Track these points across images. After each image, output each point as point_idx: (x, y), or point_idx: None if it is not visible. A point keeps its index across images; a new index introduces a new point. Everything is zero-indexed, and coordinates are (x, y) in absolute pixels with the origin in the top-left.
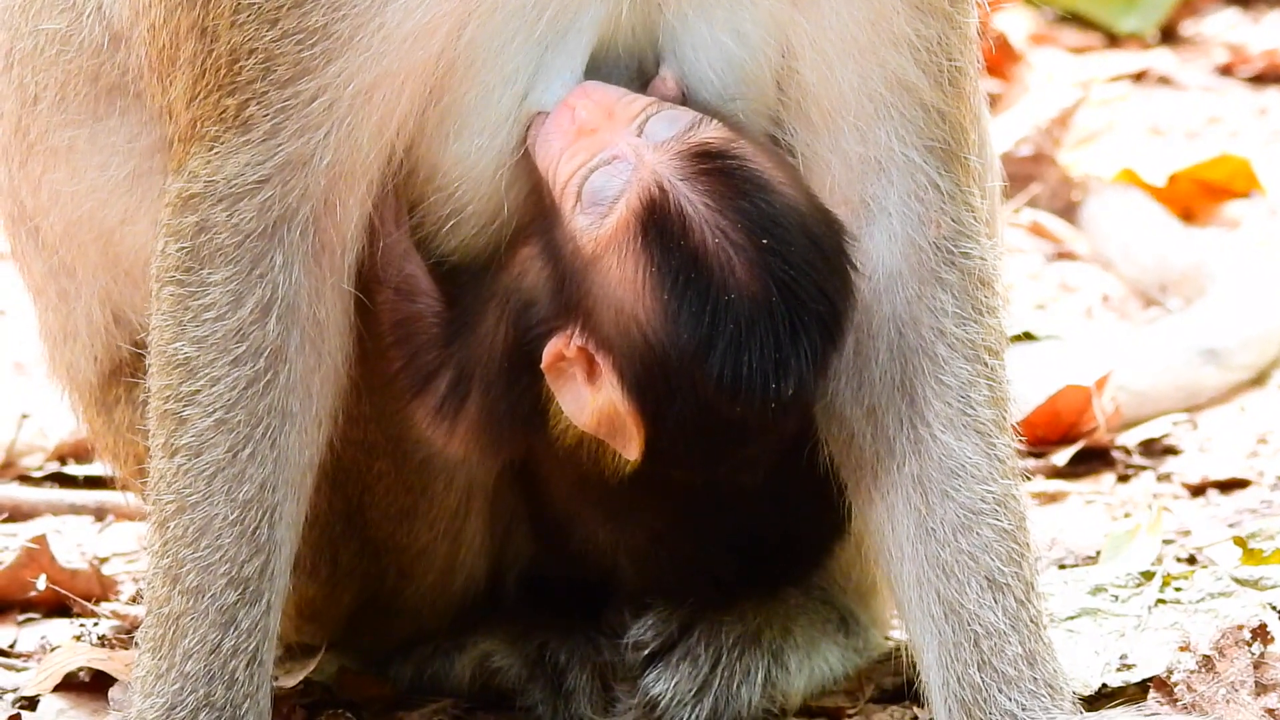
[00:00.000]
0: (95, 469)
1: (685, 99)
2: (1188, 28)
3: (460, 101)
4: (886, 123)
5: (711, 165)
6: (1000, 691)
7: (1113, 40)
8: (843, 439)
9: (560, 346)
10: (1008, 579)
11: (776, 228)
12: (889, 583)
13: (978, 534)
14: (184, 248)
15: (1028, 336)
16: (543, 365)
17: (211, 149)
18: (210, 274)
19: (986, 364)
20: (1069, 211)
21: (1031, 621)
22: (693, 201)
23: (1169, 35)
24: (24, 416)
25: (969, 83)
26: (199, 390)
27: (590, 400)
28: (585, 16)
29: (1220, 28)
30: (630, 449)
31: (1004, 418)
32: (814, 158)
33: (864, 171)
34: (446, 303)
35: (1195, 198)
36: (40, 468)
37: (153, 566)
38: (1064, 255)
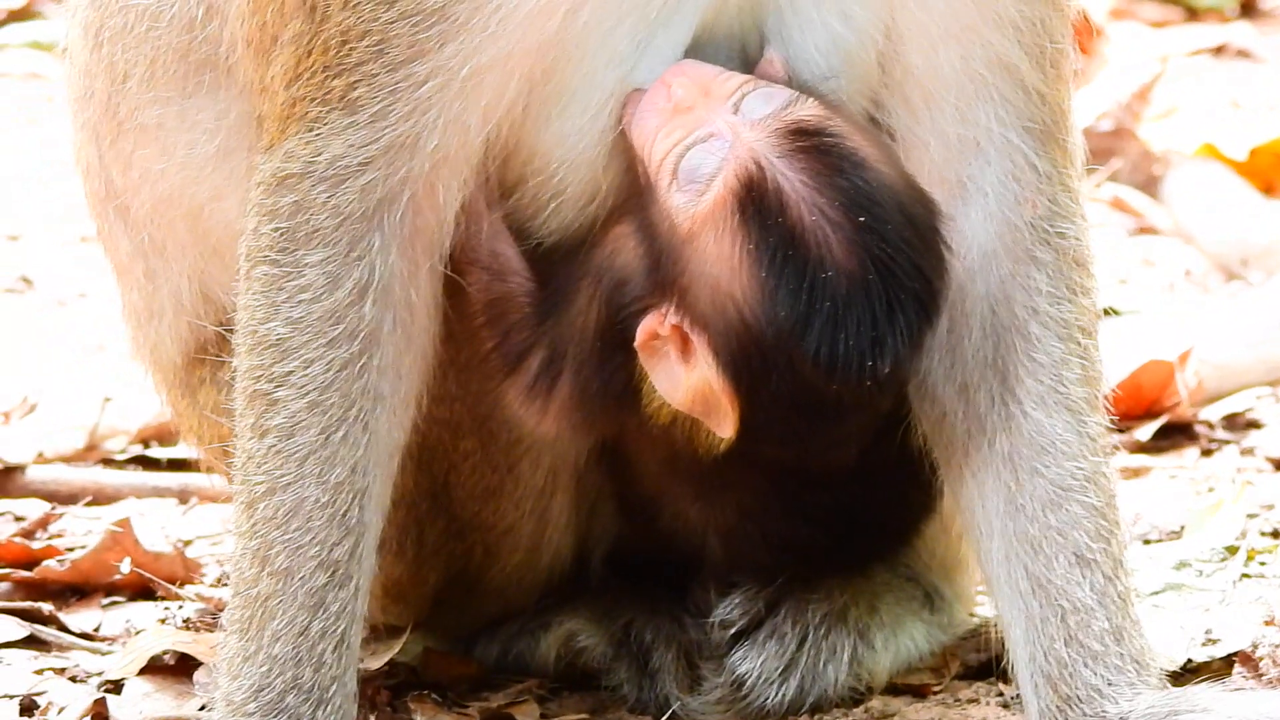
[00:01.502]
0: (178, 451)
1: (790, 80)
2: (1267, 1)
3: (567, 82)
4: (986, 103)
5: (808, 142)
6: (1086, 666)
7: (1192, 14)
8: (935, 416)
9: (654, 324)
10: (1095, 555)
11: (873, 205)
12: (978, 559)
13: (1067, 510)
14: (279, 228)
15: (1110, 311)
16: (636, 343)
17: (312, 129)
18: (307, 255)
19: (1079, 343)
20: (1150, 186)
21: (1119, 597)
22: (790, 178)
23: (1248, 8)
24: (107, 399)
25: (1067, 65)
26: (292, 371)
27: (685, 378)
28: None
29: None
30: (725, 427)
31: (1095, 396)
32: (912, 138)
33: (962, 151)
34: (538, 282)
35: (1276, 171)
36: (123, 450)
37: (240, 548)
38: (1145, 230)
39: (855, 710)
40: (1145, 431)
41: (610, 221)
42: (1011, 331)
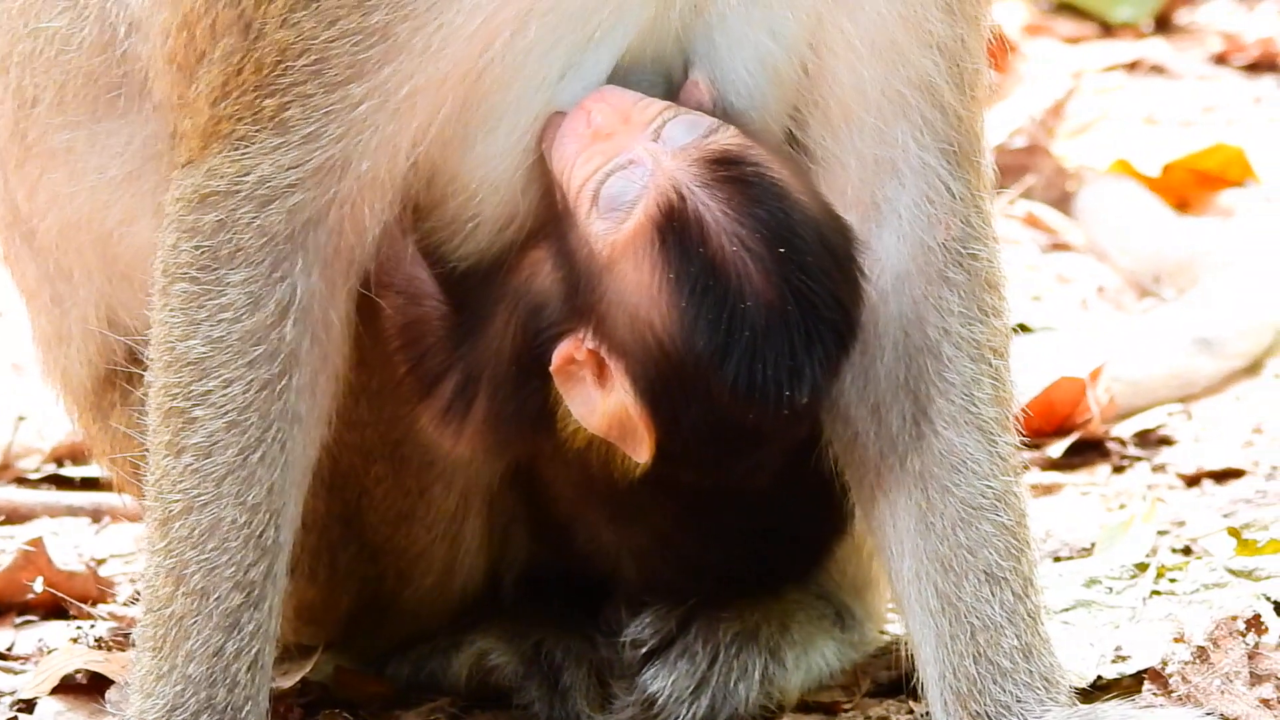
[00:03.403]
0: (92, 470)
1: (715, 103)
2: (1182, 16)
3: (497, 105)
4: (906, 123)
5: (729, 172)
6: (995, 683)
7: (1107, 30)
8: (848, 437)
9: (571, 349)
10: (1005, 573)
11: (793, 236)
12: (889, 577)
13: (977, 528)
14: (200, 246)
15: (1023, 328)
16: (552, 368)
17: (239, 148)
18: (229, 274)
19: (991, 363)
20: (1064, 202)
21: (1029, 615)
22: (710, 208)
23: (1163, 24)
24: (20, 418)
25: (983, 85)
26: (211, 391)
27: (601, 403)
28: (630, 16)
29: (1214, 16)
30: (641, 452)
31: (1006, 416)
32: (830, 158)
33: (879, 172)
34: (454, 306)
35: (1190, 187)
36: (37, 469)
37: (153, 565)
38: (1059, 246)
39: None
40: (1057, 448)
41: (528, 246)
42: (924, 352)
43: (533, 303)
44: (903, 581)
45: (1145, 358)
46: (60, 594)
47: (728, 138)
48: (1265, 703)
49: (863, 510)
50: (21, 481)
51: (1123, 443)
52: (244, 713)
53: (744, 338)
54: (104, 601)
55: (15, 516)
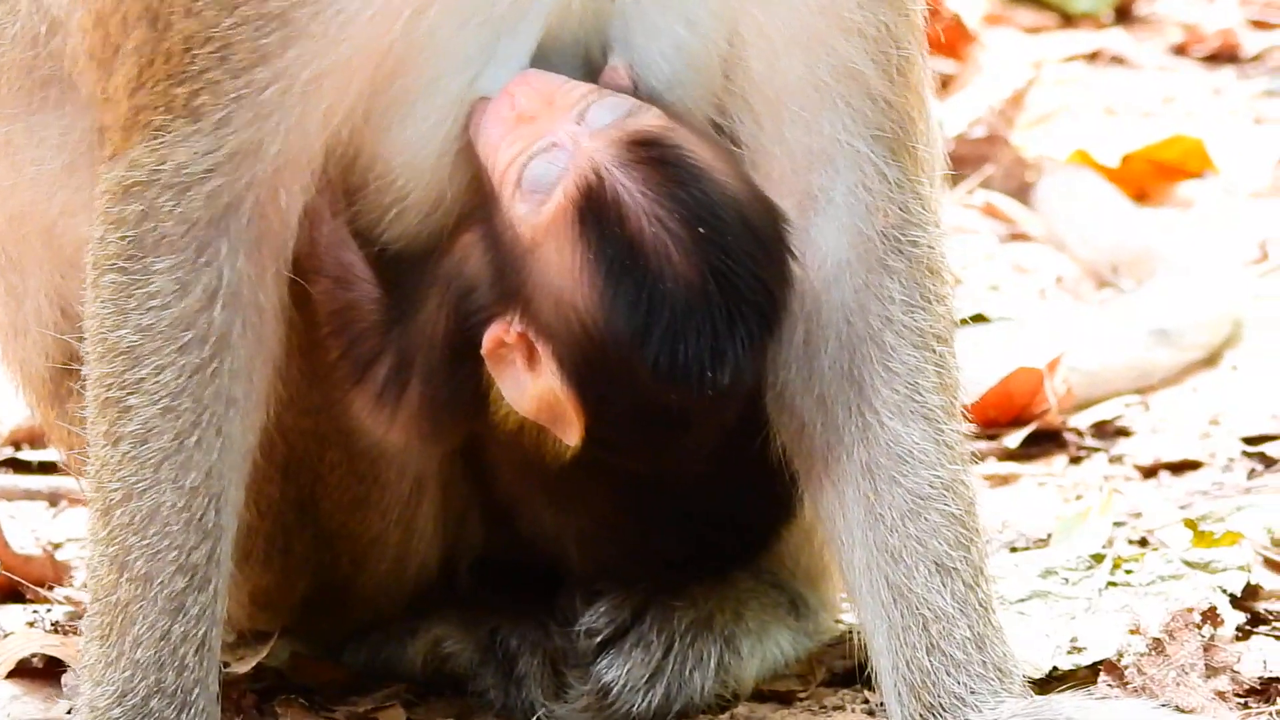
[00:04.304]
0: (49, 455)
1: (636, 88)
2: (1142, 7)
3: (411, 87)
4: (833, 112)
5: (649, 153)
6: (949, 675)
7: (1067, 20)
8: (794, 428)
9: (500, 333)
10: (956, 563)
11: (713, 216)
12: (840, 568)
13: (925, 519)
14: (126, 236)
15: (981, 318)
16: (483, 351)
17: (157, 137)
18: (155, 262)
19: (935, 351)
20: (1023, 192)
21: (980, 605)
22: (629, 189)
23: (1123, 15)
24: None
25: (916, 72)
26: (144, 378)
27: (530, 386)
28: (540, 2)
29: (1174, 7)
30: (570, 435)
31: (953, 404)
32: (760, 148)
33: (810, 162)
34: (386, 290)
35: (1149, 178)
36: None
37: (97, 554)
38: (1017, 236)
39: (721, 716)
40: (1014, 439)
41: (459, 229)
42: (867, 341)
43: (464, 286)
44: (854, 572)
45: (1103, 348)
46: (16, 578)
47: (649, 120)
48: (1221, 695)
49: (812, 500)
50: None
51: (1080, 434)
52: (193, 695)
53: (664, 318)
54: (60, 585)
55: None
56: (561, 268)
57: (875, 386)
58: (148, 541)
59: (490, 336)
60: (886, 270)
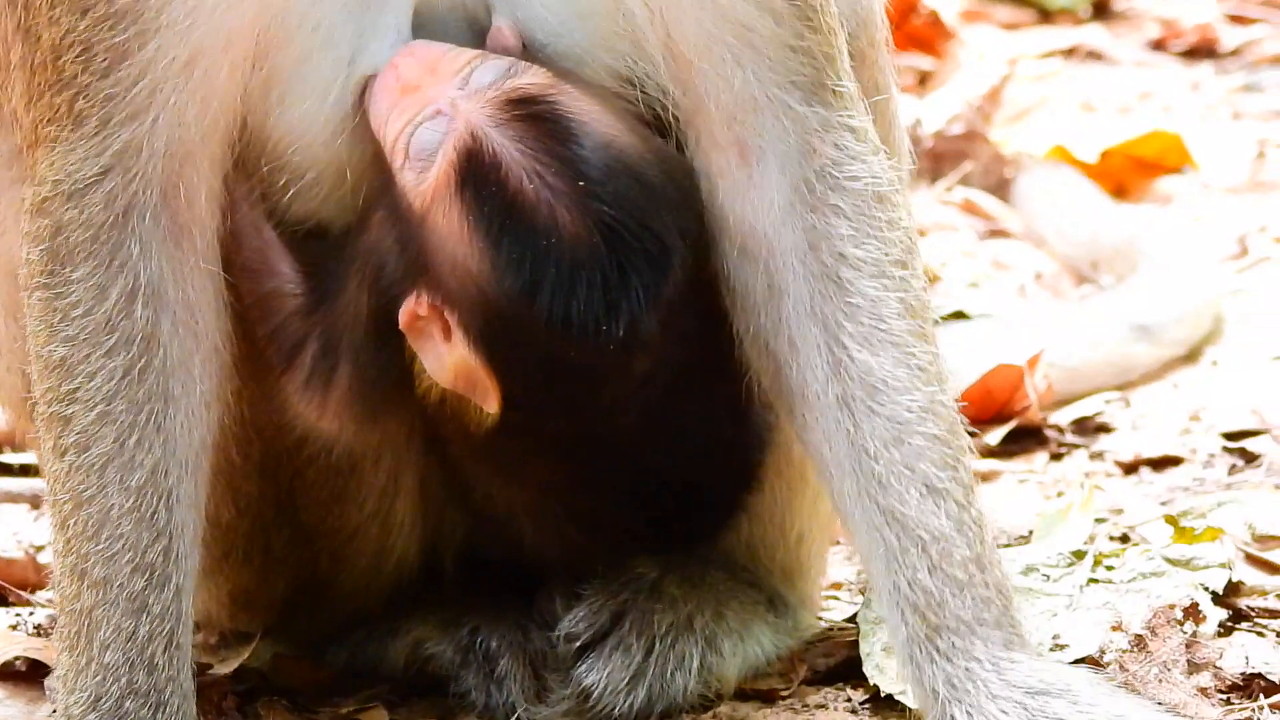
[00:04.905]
0: (30, 458)
1: (524, 48)
2: (1119, 2)
3: (281, 69)
4: (745, 65)
5: (525, 111)
6: (953, 596)
7: (1045, 16)
8: (771, 371)
9: (413, 306)
10: (945, 483)
11: (596, 169)
12: (834, 503)
13: (909, 444)
14: (44, 250)
15: (960, 315)
16: (401, 325)
17: (53, 149)
18: (72, 272)
19: (893, 277)
20: (1001, 189)
21: (975, 524)
22: (506, 147)
23: (1101, 10)
24: None
25: (820, 14)
26: (77, 388)
27: (447, 357)
28: None
29: (1152, 2)
30: (490, 402)
31: (921, 327)
32: (689, 105)
33: (735, 114)
34: (306, 273)
35: (1127, 174)
36: None
37: (59, 567)
38: (996, 233)
39: (704, 716)
40: (995, 435)
41: (371, 206)
42: (823, 279)
43: (379, 262)
44: (846, 502)
45: (1083, 345)
46: None
47: (528, 79)
48: (1203, 691)
49: (800, 441)
50: None
51: (1060, 430)
52: (167, 694)
53: (550, 274)
54: (43, 588)
55: None
56: (451, 233)
57: (839, 322)
58: (101, 546)
59: (405, 311)
60: (830, 209)
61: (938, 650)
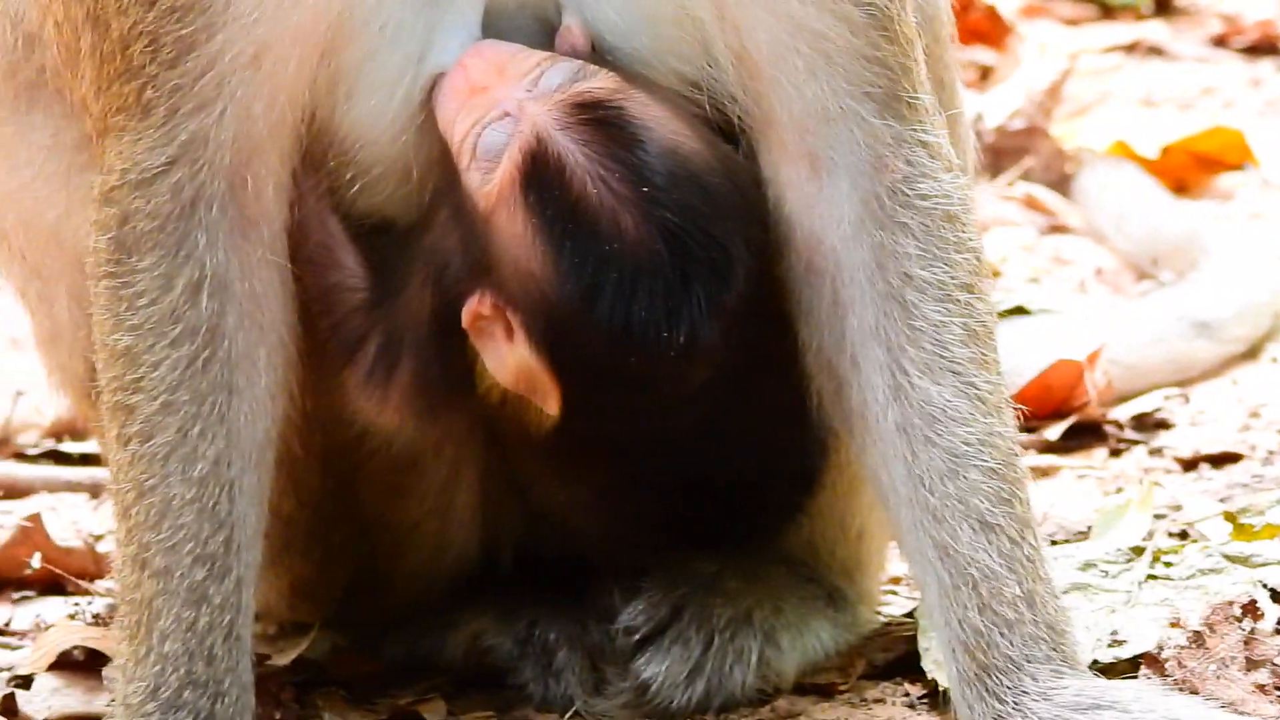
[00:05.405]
0: (90, 447)
1: (593, 48)
2: None
3: (349, 64)
4: (818, 76)
5: (592, 115)
6: (1001, 636)
7: (1106, 11)
8: (832, 389)
9: (477, 305)
10: (999, 519)
11: (659, 175)
12: (891, 525)
13: (964, 478)
14: (111, 239)
15: (1021, 310)
16: (464, 324)
17: (121, 138)
18: (138, 261)
19: (959, 302)
20: (1062, 184)
21: (1028, 560)
22: (571, 151)
23: (1163, 6)
24: (19, 393)
25: (897, 24)
26: (141, 377)
27: (509, 357)
28: None
29: None
30: (550, 404)
31: (983, 354)
32: (761, 115)
33: (809, 125)
34: (371, 268)
35: (1188, 169)
36: (36, 445)
37: (120, 556)
38: (1057, 228)
39: (762, 710)
40: (1054, 431)
41: (437, 204)
42: (889, 299)
43: (443, 261)
44: (901, 530)
45: (1143, 341)
46: (58, 570)
47: (596, 82)
48: (1260, 688)
49: (858, 460)
50: (20, 457)
51: (1120, 426)
52: (225, 685)
53: (613, 279)
54: (101, 577)
55: (13, 492)
56: (514, 234)
57: (901, 345)
58: (163, 536)
59: (468, 310)
60: (899, 227)
61: (986, 689)
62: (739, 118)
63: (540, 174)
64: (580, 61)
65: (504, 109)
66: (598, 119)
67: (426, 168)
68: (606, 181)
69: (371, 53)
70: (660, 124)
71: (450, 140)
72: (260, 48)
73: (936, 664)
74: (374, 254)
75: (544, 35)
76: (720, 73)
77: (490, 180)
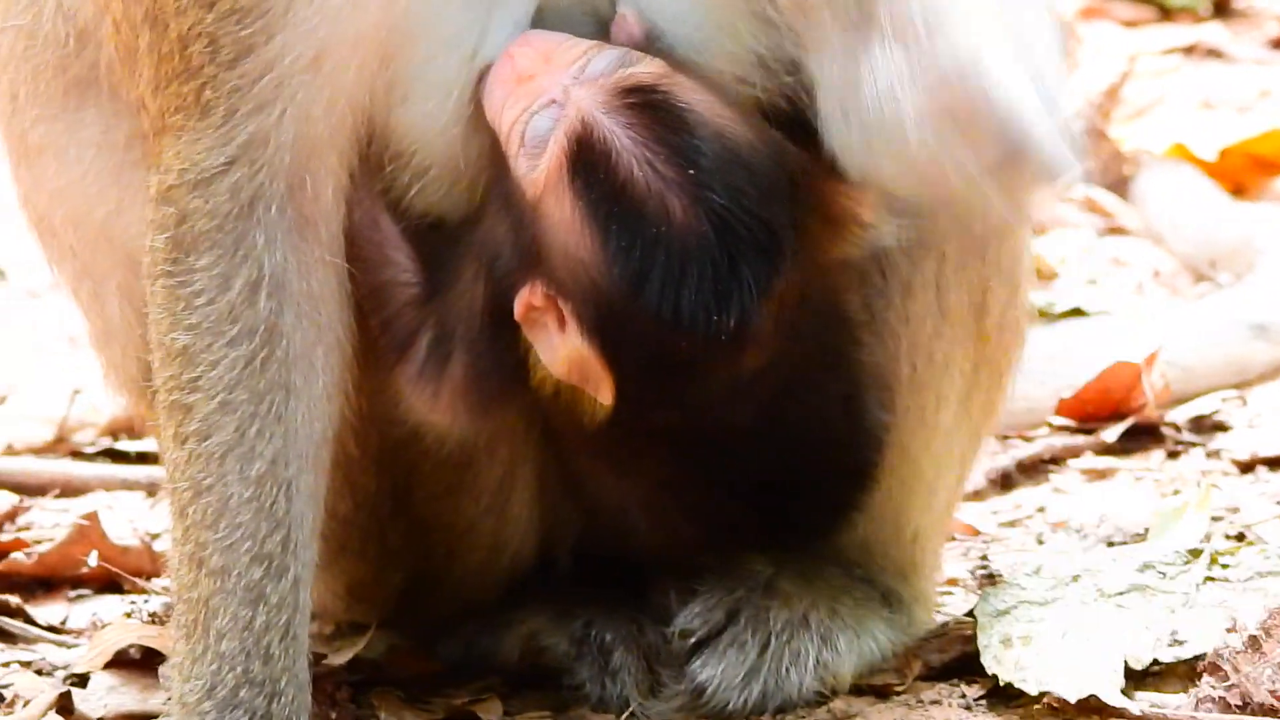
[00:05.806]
0: (147, 445)
1: (647, 36)
2: (1239, 1)
3: (407, 67)
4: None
5: (638, 99)
6: None
7: (1165, 13)
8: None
9: (528, 296)
10: None
11: (705, 158)
12: None
13: None
14: (168, 238)
15: (1078, 312)
16: (516, 316)
17: (179, 138)
18: (196, 260)
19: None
20: (1120, 186)
21: None
22: (617, 134)
23: (1221, 8)
24: (76, 391)
25: None
26: (199, 376)
27: (561, 347)
28: None
29: (1272, 1)
30: (603, 393)
31: None
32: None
33: None
34: (422, 263)
35: (1246, 172)
36: (92, 443)
37: (177, 555)
38: (1115, 230)
39: (818, 711)
40: (1112, 433)
41: (487, 197)
42: None
43: (494, 253)
44: None
45: (1200, 343)
46: (114, 569)
47: (642, 67)
48: None
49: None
50: (77, 455)
51: (1177, 428)
52: (282, 684)
53: (661, 262)
54: (158, 576)
55: (70, 490)
56: (563, 220)
57: None
58: (220, 535)
59: (520, 301)
60: None
61: None
62: (799, 94)
63: (587, 158)
64: (626, 49)
65: (551, 96)
66: (644, 103)
67: (478, 162)
68: (653, 164)
69: (429, 57)
70: (706, 108)
71: (498, 129)
72: (320, 51)
73: (997, 660)
74: (426, 250)
75: (597, 27)
76: (778, 47)
77: (538, 167)
